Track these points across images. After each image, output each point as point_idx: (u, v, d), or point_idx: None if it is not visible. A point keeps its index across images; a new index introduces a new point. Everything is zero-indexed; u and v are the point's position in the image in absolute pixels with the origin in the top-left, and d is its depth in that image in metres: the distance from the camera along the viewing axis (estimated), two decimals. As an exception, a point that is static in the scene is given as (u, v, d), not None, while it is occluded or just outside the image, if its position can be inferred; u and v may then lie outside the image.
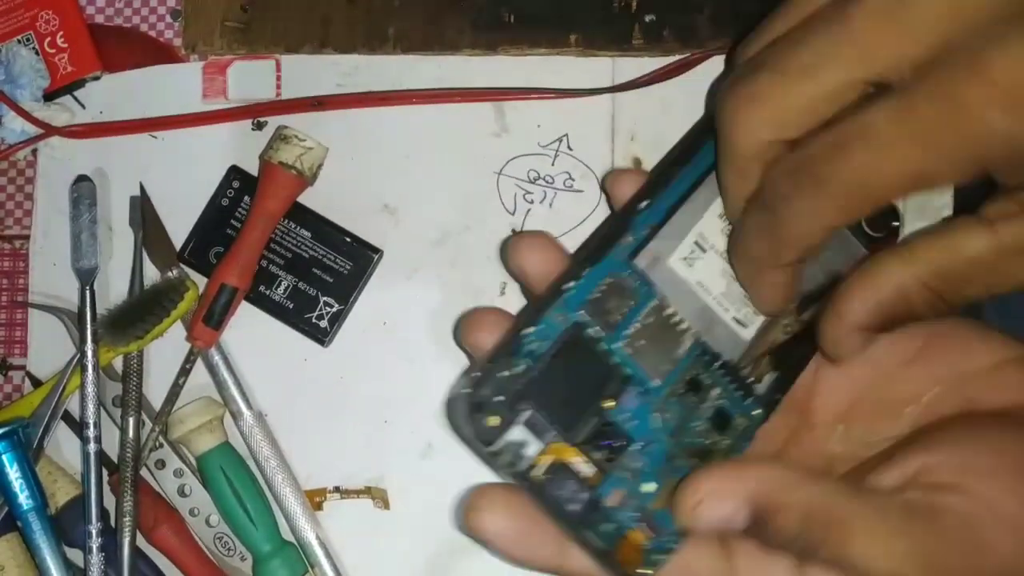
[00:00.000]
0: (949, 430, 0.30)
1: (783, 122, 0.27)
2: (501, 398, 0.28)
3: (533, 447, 0.28)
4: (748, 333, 0.32)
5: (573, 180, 0.47)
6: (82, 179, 0.47)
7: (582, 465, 0.29)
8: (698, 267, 0.32)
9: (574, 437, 0.29)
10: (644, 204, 0.31)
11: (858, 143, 0.25)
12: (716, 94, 0.29)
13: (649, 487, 0.30)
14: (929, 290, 0.28)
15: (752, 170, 0.28)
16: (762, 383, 0.32)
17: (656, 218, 0.31)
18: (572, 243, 0.34)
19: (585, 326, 0.30)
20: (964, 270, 0.27)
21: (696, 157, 0.32)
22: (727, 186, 0.30)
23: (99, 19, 0.49)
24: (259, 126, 0.48)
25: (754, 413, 0.32)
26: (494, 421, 0.28)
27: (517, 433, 0.28)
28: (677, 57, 0.47)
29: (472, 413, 0.28)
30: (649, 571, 0.29)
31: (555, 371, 0.29)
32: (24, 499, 0.44)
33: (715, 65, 0.47)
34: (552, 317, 0.29)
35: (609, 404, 0.30)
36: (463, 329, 0.32)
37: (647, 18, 0.47)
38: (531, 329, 0.29)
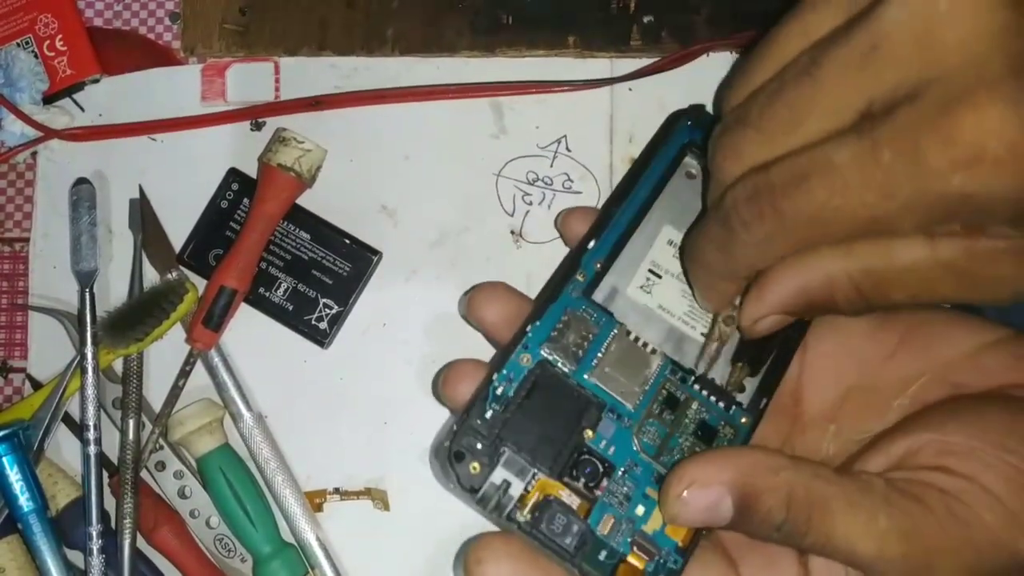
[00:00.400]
0: (931, 415, 0.31)
1: (756, 166, 0.28)
2: (479, 445, 0.30)
3: (517, 487, 0.30)
4: (722, 346, 0.32)
5: (572, 181, 0.47)
6: (81, 182, 0.47)
7: (569, 498, 0.30)
8: (656, 293, 0.33)
9: (556, 472, 0.30)
10: (591, 243, 0.33)
11: (818, 179, 0.25)
12: (708, 140, 0.30)
13: (639, 511, 0.30)
14: (855, 287, 0.28)
15: None
16: (744, 391, 0.32)
17: (603, 254, 0.33)
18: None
19: (551, 363, 0.31)
20: (895, 275, 0.27)
21: (637, 189, 0.34)
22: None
23: (98, 22, 0.49)
24: (258, 127, 0.48)
25: (742, 421, 0.32)
26: (476, 468, 0.30)
27: (499, 475, 0.30)
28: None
29: (454, 463, 0.30)
30: None
31: (529, 410, 0.30)
32: (24, 501, 0.44)
33: (715, 63, 0.47)
34: (517, 359, 0.31)
35: (587, 435, 0.31)
36: (441, 385, 0.33)
37: (645, 19, 0.48)
38: (498, 374, 0.30)
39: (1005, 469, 0.28)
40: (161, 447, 0.46)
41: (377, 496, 0.46)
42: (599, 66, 0.47)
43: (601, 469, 0.30)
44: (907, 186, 0.24)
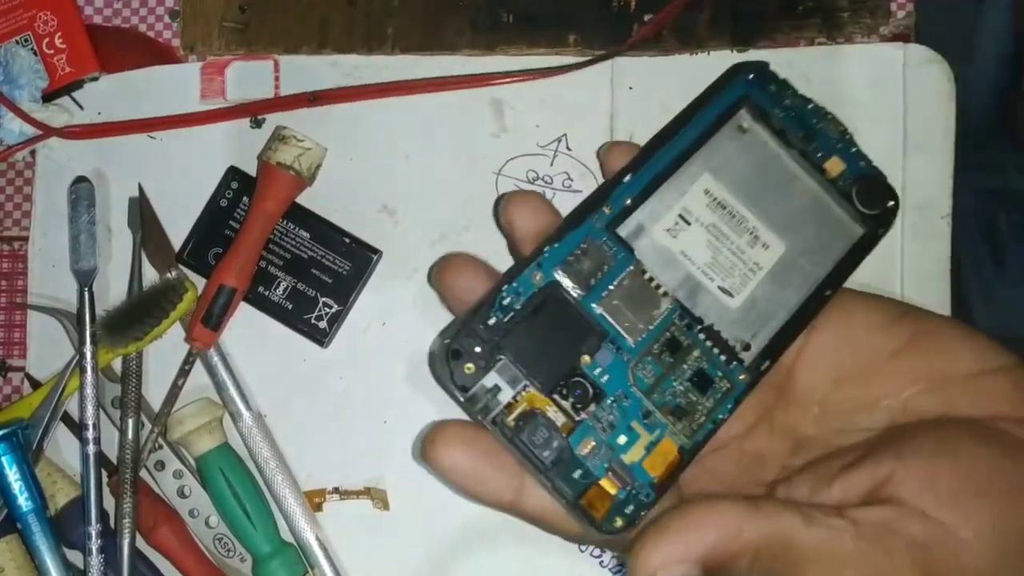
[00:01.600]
0: (921, 439, 0.30)
1: None
2: (477, 348, 0.30)
3: (506, 394, 0.30)
4: (734, 302, 0.33)
5: (572, 180, 0.47)
6: (81, 180, 0.47)
7: (554, 415, 0.30)
8: (682, 238, 0.33)
9: (547, 388, 0.31)
10: (627, 177, 0.32)
11: None
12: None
13: (621, 439, 0.31)
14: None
15: None
16: (749, 351, 0.32)
17: (635, 191, 0.33)
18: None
19: (562, 286, 0.31)
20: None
21: (683, 133, 0.33)
22: None
23: (97, 20, 0.49)
24: (257, 124, 0.48)
25: (740, 378, 0.32)
26: (470, 368, 0.30)
27: (491, 380, 0.30)
28: (676, 56, 0.47)
29: (450, 360, 0.30)
30: (618, 522, 0.30)
31: (532, 326, 0.31)
32: (24, 501, 0.44)
33: (716, 62, 0.47)
34: (529, 275, 0.31)
35: (584, 359, 0.31)
36: (437, 271, 0.33)
37: (646, 18, 0.47)
38: (508, 286, 0.31)
39: (983, 521, 0.28)
40: (160, 446, 0.46)
41: (377, 496, 0.46)
42: (599, 65, 0.47)
43: (591, 394, 0.31)
44: None
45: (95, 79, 0.48)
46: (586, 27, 0.47)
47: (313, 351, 0.47)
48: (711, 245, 0.33)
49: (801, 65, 0.47)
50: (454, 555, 0.46)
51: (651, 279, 0.32)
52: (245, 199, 0.47)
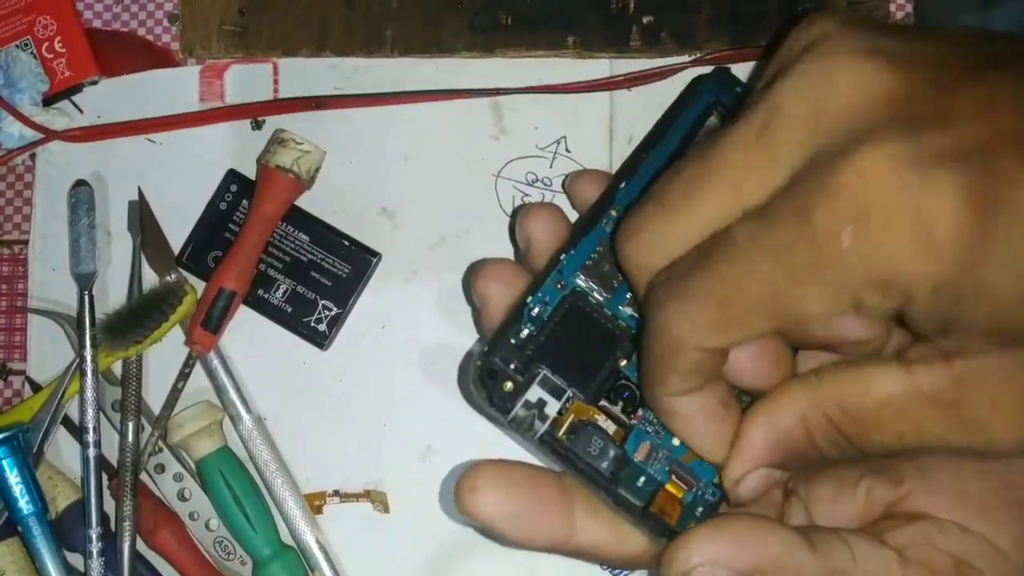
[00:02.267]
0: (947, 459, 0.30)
1: (666, 251, 0.26)
2: (513, 364, 0.29)
3: (552, 407, 0.29)
4: None
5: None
6: (80, 184, 0.47)
7: (604, 423, 0.29)
8: None
9: (592, 395, 0.29)
10: (623, 184, 0.32)
11: (719, 254, 0.24)
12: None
13: (675, 440, 0.29)
14: (834, 427, 0.26)
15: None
16: None
17: (636, 192, 0.32)
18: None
19: (586, 291, 0.30)
20: (872, 411, 0.25)
21: (663, 144, 0.33)
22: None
23: (97, 24, 0.49)
24: (258, 126, 0.48)
25: None
26: (509, 386, 0.28)
27: (534, 394, 0.28)
28: (675, 59, 0.47)
29: (486, 381, 0.28)
30: (692, 526, 0.28)
31: (564, 335, 0.30)
32: (24, 504, 0.44)
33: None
34: (551, 284, 0.30)
35: (622, 363, 0.30)
36: (473, 279, 0.33)
37: (645, 19, 0.47)
38: (533, 297, 0.30)
39: (1018, 529, 0.27)
40: (160, 449, 0.46)
41: (377, 498, 0.46)
42: (598, 67, 0.47)
43: (638, 396, 0.29)
44: (802, 257, 0.23)
45: (94, 83, 0.48)
46: (585, 29, 0.47)
47: (313, 354, 0.47)
48: None
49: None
50: (454, 557, 0.46)
51: None
52: (244, 202, 0.47)
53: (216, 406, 0.46)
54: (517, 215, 0.35)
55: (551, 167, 0.47)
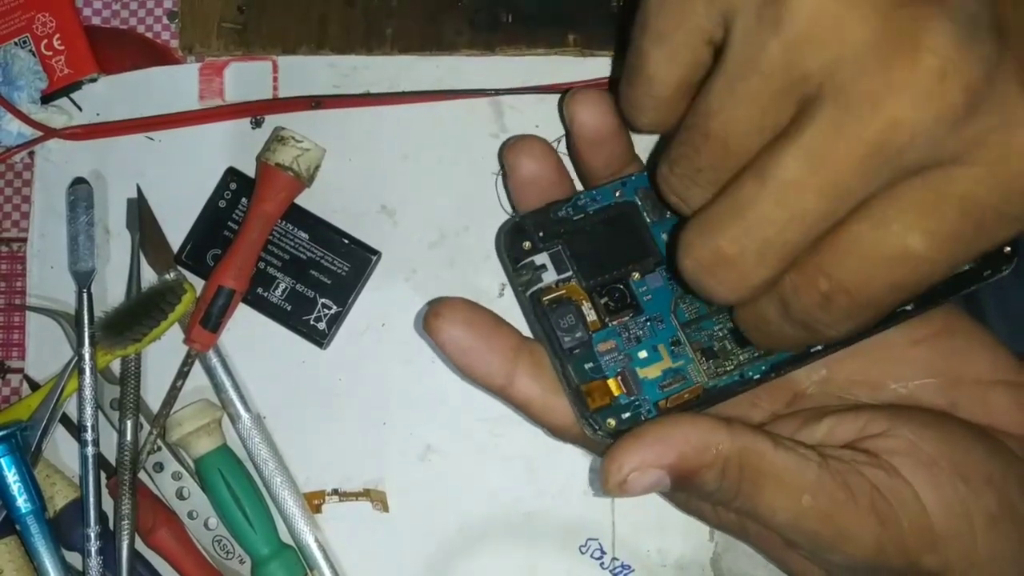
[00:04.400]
0: (917, 413, 0.31)
1: None
2: (541, 231, 0.32)
3: (550, 276, 0.32)
4: None
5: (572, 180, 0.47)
6: (79, 182, 0.47)
7: (587, 310, 0.32)
8: None
9: (589, 285, 0.32)
10: None
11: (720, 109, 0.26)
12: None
13: (642, 354, 0.32)
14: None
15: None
16: None
17: None
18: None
19: (638, 207, 0.33)
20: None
21: None
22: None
23: (96, 21, 0.49)
24: (257, 124, 0.48)
25: None
26: (527, 245, 0.32)
27: (541, 259, 0.32)
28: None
29: (513, 233, 0.32)
30: (610, 423, 0.31)
31: (597, 231, 0.32)
32: (22, 502, 0.43)
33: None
34: (612, 188, 0.33)
35: (634, 275, 0.32)
36: (508, 147, 0.35)
37: (646, 17, 0.47)
38: (586, 191, 0.33)
39: (948, 492, 0.29)
40: (159, 448, 0.46)
41: (376, 497, 0.46)
42: (600, 65, 0.47)
43: (628, 303, 0.32)
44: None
45: (94, 80, 0.48)
46: (586, 27, 0.47)
47: (312, 352, 0.47)
48: None
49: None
50: (454, 556, 0.46)
51: None
52: (244, 200, 0.47)
53: (215, 405, 0.46)
54: (563, 98, 0.36)
55: (551, 165, 0.47)
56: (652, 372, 0.31)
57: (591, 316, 0.32)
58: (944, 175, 0.23)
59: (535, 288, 0.31)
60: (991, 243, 0.24)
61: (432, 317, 0.32)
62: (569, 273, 0.32)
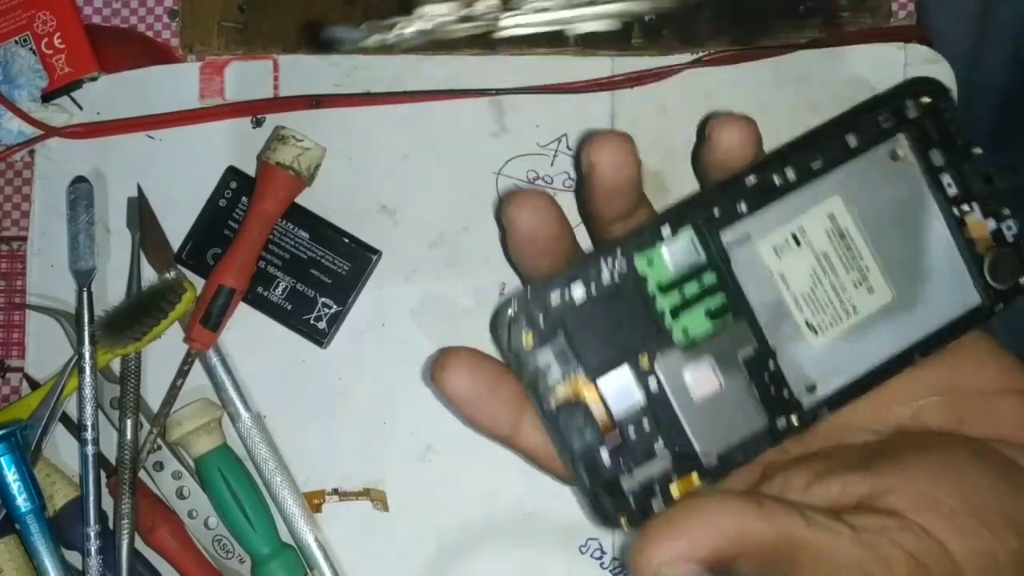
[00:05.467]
0: (925, 455, 0.30)
1: None
2: (541, 318, 0.29)
3: (556, 374, 0.29)
4: (816, 341, 0.31)
5: (572, 180, 0.47)
6: (79, 180, 0.47)
7: (595, 406, 0.29)
8: (786, 260, 0.30)
9: (595, 375, 0.29)
10: (751, 179, 0.30)
11: None
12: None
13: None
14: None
15: None
16: (812, 394, 0.31)
17: (758, 197, 0.30)
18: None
19: (646, 279, 0.30)
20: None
21: (824, 146, 0.30)
22: None
23: (96, 20, 0.49)
24: (258, 123, 0.48)
25: (791, 417, 0.31)
26: (528, 336, 0.29)
27: (544, 357, 0.29)
28: (677, 57, 0.47)
29: (511, 324, 0.29)
30: (623, 521, 0.29)
31: (604, 311, 0.29)
32: (22, 501, 0.43)
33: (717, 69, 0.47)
34: (612, 258, 0.29)
35: (643, 362, 0.30)
36: (505, 201, 0.32)
37: (647, 17, 0.47)
38: (593, 262, 0.29)
39: (977, 544, 0.28)
40: (159, 447, 0.46)
41: (376, 497, 0.46)
42: (600, 65, 0.47)
43: None
44: None
45: (94, 79, 0.48)
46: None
47: (312, 352, 0.47)
48: (814, 275, 0.30)
49: (801, 66, 0.47)
50: (453, 556, 0.46)
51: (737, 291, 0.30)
52: (244, 199, 0.46)
53: (215, 404, 0.46)
54: (582, 140, 0.34)
55: (552, 165, 0.47)
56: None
57: (599, 412, 0.29)
58: None
59: (540, 387, 0.29)
60: None
61: (438, 369, 0.30)
62: (577, 367, 0.29)
